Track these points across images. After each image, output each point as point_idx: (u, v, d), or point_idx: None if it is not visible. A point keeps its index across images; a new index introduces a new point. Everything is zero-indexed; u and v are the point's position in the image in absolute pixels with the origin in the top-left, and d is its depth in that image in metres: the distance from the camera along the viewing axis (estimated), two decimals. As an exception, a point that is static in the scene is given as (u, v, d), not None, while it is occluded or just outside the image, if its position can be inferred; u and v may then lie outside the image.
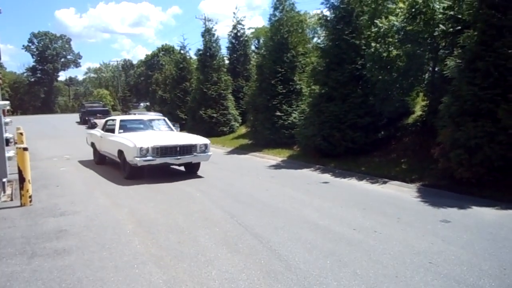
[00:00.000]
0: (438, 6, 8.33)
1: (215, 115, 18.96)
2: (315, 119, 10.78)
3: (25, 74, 69.17)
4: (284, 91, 14.01)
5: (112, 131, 9.88)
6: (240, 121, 19.94)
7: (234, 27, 22.18)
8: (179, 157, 8.54)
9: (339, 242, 4.60)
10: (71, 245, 4.54)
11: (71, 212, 5.95)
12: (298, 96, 14.06)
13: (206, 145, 9.05)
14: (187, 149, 8.69)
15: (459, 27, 7.97)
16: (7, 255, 4.26)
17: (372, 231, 4.98)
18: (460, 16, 8.09)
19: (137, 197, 6.98)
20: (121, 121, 10.24)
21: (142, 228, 5.18)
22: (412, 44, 8.97)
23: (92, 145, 11.20)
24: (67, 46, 73.65)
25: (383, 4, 10.14)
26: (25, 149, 6.41)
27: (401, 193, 7.29)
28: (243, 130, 18.83)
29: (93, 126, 23.11)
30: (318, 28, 18.55)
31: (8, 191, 7.28)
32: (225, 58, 21.48)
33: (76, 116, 37.49)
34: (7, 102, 7.81)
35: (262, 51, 16.07)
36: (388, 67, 9.54)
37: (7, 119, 7.73)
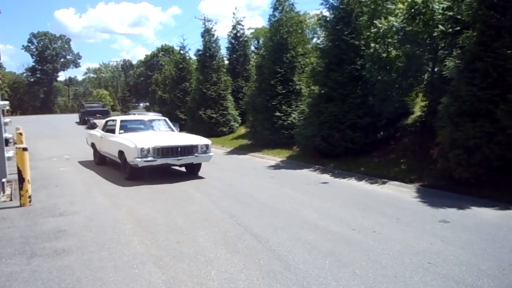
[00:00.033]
0: (437, 7, 8.34)
1: (214, 115, 18.97)
2: (315, 119, 10.79)
3: (24, 74, 69.25)
4: (283, 91, 14.02)
5: (113, 131, 9.84)
6: (240, 121, 19.95)
7: (234, 27, 22.21)
8: (180, 157, 8.49)
9: (338, 242, 4.60)
10: (71, 245, 4.54)
11: (70, 212, 5.95)
12: (298, 97, 14.08)
13: (207, 146, 9.00)
14: (188, 150, 8.64)
15: (458, 28, 7.98)
16: (6, 255, 4.26)
17: (371, 231, 4.99)
18: (459, 17, 8.10)
19: (137, 197, 6.99)
20: (121, 121, 10.19)
21: (141, 228, 5.19)
22: (412, 44, 8.98)
23: (92, 145, 11.16)
24: (66, 46, 73.67)
25: (383, 4, 10.15)
26: (25, 149, 6.41)
27: (400, 194, 7.30)
28: (242, 130, 18.84)
29: (92, 126, 23.13)
30: (318, 29, 18.58)
31: (8, 191, 7.28)
32: (224, 58, 21.50)
33: (75, 117, 37.49)
34: (7, 102, 7.81)
35: (262, 51, 16.09)
36: (388, 67, 9.55)
37: (7, 119, 7.73)
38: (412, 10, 8.58)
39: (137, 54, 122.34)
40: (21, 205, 6.24)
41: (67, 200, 6.73)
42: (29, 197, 6.34)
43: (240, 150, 14.72)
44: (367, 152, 10.38)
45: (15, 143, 8.39)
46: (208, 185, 8.11)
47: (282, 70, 14.10)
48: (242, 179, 8.96)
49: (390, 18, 9.20)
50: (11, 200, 6.75)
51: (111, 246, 4.51)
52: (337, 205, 6.41)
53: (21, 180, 6.21)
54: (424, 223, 5.33)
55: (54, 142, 17.61)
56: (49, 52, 69.37)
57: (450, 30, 8.26)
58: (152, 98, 40.28)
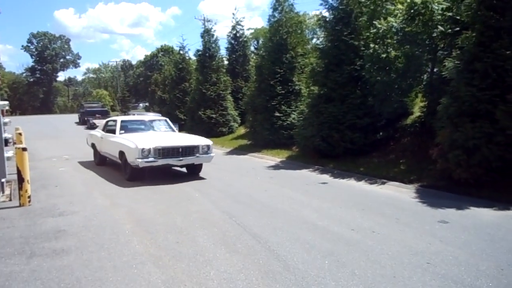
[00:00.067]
0: (436, 7, 8.35)
1: (214, 115, 18.97)
2: (314, 119, 10.79)
3: (24, 74, 69.19)
4: (283, 91, 14.03)
5: (113, 131, 9.78)
6: (239, 121, 19.95)
7: (233, 27, 22.23)
8: (181, 158, 8.44)
9: (338, 242, 4.61)
10: (70, 245, 4.54)
11: (70, 212, 5.95)
12: (297, 97, 14.09)
13: (208, 146, 8.95)
14: (189, 150, 8.59)
15: (458, 29, 7.99)
16: (6, 255, 4.26)
17: (370, 231, 5.00)
18: (458, 18, 8.11)
19: (136, 197, 6.99)
20: (122, 121, 10.14)
21: (140, 228, 5.19)
22: (411, 45, 8.99)
23: (93, 146, 11.12)
24: (66, 46, 73.61)
25: (382, 5, 10.15)
26: (24, 149, 6.42)
27: (400, 194, 7.30)
28: (242, 130, 18.84)
29: (92, 126, 23.13)
30: (317, 29, 18.60)
31: (7, 191, 7.28)
32: (224, 58, 21.49)
33: (75, 117, 37.46)
34: (6, 102, 7.80)
35: (261, 51, 16.09)
36: (387, 68, 9.56)
37: (6, 119, 7.72)
38: (412, 11, 8.60)
39: (137, 54, 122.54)
40: (20, 205, 6.24)
41: (67, 200, 6.73)
42: (29, 197, 6.34)
43: (240, 150, 14.73)
44: (366, 153, 10.39)
45: (14, 143, 8.37)
46: (208, 185, 8.11)
47: (282, 71, 14.11)
48: (242, 179, 8.96)
49: (390, 18, 9.21)
50: (10, 200, 6.75)
51: (111, 246, 4.51)
52: (337, 205, 6.41)
53: (21, 180, 6.21)
54: (423, 223, 5.34)
55: (54, 142, 17.60)
56: (49, 52, 69.33)
57: (450, 30, 8.28)
58: (152, 98, 40.30)
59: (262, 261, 4.07)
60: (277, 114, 13.78)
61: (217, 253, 4.28)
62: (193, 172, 9.27)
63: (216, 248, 4.44)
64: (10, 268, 3.92)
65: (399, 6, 9.37)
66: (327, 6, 11.26)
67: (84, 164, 10.95)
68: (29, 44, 69.03)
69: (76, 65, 77.36)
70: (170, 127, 10.61)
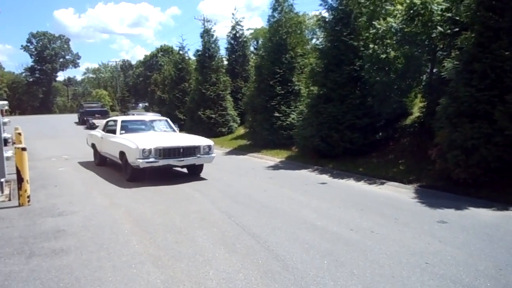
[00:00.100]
0: (436, 8, 8.36)
1: (213, 115, 18.98)
2: (314, 120, 10.80)
3: (23, 74, 69.15)
4: (282, 92, 14.03)
5: (113, 132, 9.73)
6: (239, 121, 19.94)
7: (233, 28, 22.23)
8: (182, 158, 8.39)
9: (337, 242, 4.62)
10: (69, 245, 4.55)
11: (69, 212, 5.96)
12: (297, 97, 14.09)
13: (209, 147, 8.91)
14: (190, 151, 8.54)
15: (457, 29, 8.01)
16: (5, 254, 4.26)
17: (369, 231, 5.01)
18: (457, 18, 8.13)
19: (135, 197, 6.99)
20: (122, 121, 10.08)
21: (140, 228, 5.19)
22: (410, 45, 9.01)
23: (93, 146, 11.08)
24: (65, 46, 73.61)
25: (381, 5, 10.17)
26: (24, 149, 6.42)
27: (399, 194, 7.32)
28: (241, 130, 18.84)
29: (91, 126, 23.13)
30: (317, 29, 18.61)
31: (6, 191, 7.27)
32: (223, 59, 21.48)
33: (74, 117, 37.46)
34: (6, 102, 7.80)
35: (261, 52, 16.09)
36: (386, 68, 9.58)
37: (6, 119, 7.72)
38: (411, 11, 8.61)
39: (136, 54, 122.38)
40: (20, 205, 6.24)
41: (66, 200, 6.74)
42: (28, 197, 6.34)
43: (239, 150, 14.73)
44: (365, 153, 10.40)
45: (14, 143, 8.38)
46: (207, 185, 8.11)
47: (281, 71, 14.11)
48: (241, 180, 8.97)
49: (389, 19, 9.23)
50: (9, 200, 6.74)
51: (110, 246, 4.52)
52: (336, 205, 6.42)
53: (20, 180, 6.21)
54: (422, 223, 5.35)
55: (53, 142, 17.59)
56: (48, 52, 69.31)
57: (449, 31, 8.29)
58: (151, 99, 40.27)
59: (261, 261, 4.07)
60: (276, 114, 13.79)
61: (216, 253, 4.29)
62: (194, 173, 9.22)
63: (215, 248, 4.45)
64: (9, 268, 3.92)
65: (399, 6, 9.38)
66: (326, 7, 11.29)
67: (84, 164, 10.95)
68: (28, 44, 69.12)
69: (76, 65, 77.59)
70: (171, 127, 10.58)
